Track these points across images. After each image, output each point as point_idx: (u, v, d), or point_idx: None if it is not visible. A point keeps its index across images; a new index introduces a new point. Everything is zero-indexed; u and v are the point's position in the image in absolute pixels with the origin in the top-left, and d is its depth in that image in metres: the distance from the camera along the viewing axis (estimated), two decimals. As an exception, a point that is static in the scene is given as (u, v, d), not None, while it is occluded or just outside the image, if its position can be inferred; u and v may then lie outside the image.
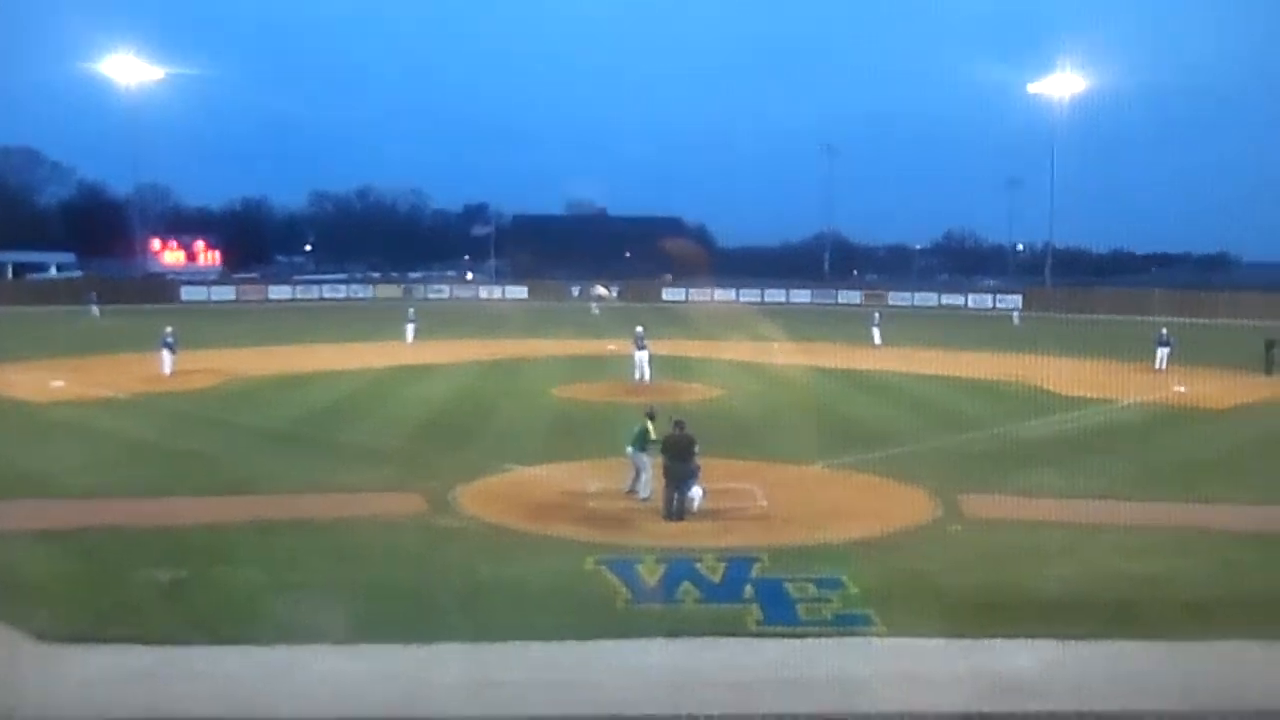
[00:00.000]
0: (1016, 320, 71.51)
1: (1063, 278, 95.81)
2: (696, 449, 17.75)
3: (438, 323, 55.96)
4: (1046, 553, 15.84)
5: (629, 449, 18.77)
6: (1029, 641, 11.84)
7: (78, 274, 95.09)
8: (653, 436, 18.45)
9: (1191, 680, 10.88)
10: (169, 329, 36.57)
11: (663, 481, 17.82)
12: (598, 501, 18.66)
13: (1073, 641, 11.79)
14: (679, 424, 18.08)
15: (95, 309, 67.67)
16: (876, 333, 50.33)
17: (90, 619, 12.51)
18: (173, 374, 34.83)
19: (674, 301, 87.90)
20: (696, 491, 17.68)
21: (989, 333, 58.03)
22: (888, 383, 36.93)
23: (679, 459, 17.48)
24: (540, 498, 19.15)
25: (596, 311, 72.53)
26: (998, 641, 11.78)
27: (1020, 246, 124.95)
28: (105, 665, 11.18)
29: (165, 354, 35.53)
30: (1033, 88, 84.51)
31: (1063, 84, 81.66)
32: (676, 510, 17.43)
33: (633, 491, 18.55)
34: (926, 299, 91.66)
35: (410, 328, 49.38)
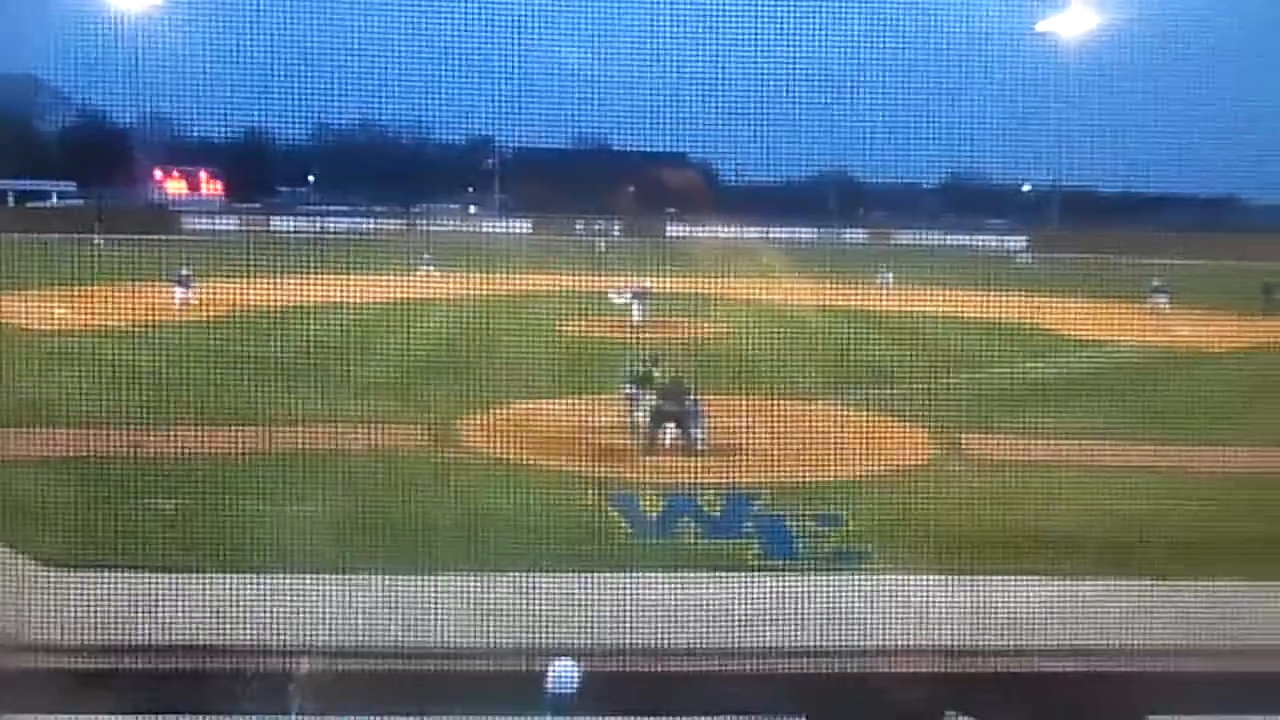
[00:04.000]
0: (1021, 261, 71.20)
1: (1071, 219, 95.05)
2: (689, 390, 17.89)
3: (441, 256, 55.69)
4: (1045, 492, 15.93)
5: (627, 387, 18.89)
6: (1026, 579, 11.94)
7: (79, 203, 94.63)
8: (655, 379, 18.62)
9: (1182, 617, 11.00)
10: (185, 270, 36.94)
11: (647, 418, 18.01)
12: (600, 437, 18.75)
13: (1068, 579, 11.90)
14: (654, 360, 18.31)
15: (98, 239, 67.37)
16: (890, 276, 50.53)
17: (95, 546, 12.63)
18: (180, 308, 35.02)
19: (678, 237, 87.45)
20: (698, 429, 17.83)
21: (994, 273, 57.71)
22: (891, 321, 36.87)
23: (666, 398, 17.68)
24: (542, 431, 19.22)
25: (602, 247, 72.31)
26: (995, 578, 11.88)
27: (1028, 187, 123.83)
28: (109, 590, 11.28)
29: (177, 289, 35.80)
30: (1042, 25, 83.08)
31: (1073, 21, 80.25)
32: (685, 446, 17.62)
33: (635, 428, 18.66)
34: (933, 238, 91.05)
35: (422, 263, 49.44)
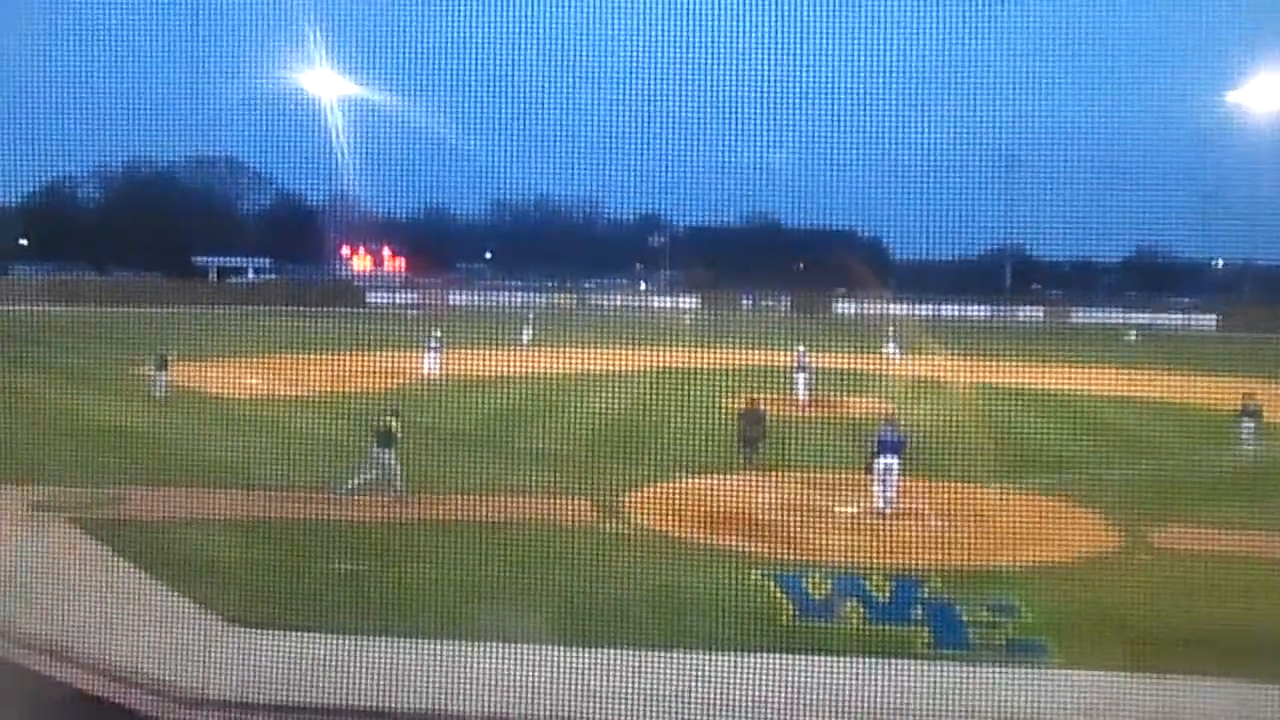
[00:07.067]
0: (1211, 331, 67.66)
1: (1265, 295, 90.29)
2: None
3: (608, 331, 56.58)
4: (1240, 589, 14.92)
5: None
6: (1216, 681, 11.17)
7: (272, 277, 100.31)
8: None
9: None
10: (437, 332, 39.98)
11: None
12: (765, 513, 18.57)
13: (1265, 685, 11.08)
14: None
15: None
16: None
17: (275, 606, 13.13)
18: (430, 373, 38.03)
19: (846, 314, 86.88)
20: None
21: (1180, 351, 55.12)
22: (1068, 403, 35.49)
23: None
24: (707, 507, 19.17)
25: (767, 322, 72.48)
26: (1183, 679, 11.15)
27: (1218, 263, 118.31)
28: (287, 650, 11.69)
29: (430, 355, 39.01)
30: (1232, 96, 79.53)
31: (1265, 91, 76.44)
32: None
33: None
34: (1112, 316, 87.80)
35: (528, 332, 51.72)
